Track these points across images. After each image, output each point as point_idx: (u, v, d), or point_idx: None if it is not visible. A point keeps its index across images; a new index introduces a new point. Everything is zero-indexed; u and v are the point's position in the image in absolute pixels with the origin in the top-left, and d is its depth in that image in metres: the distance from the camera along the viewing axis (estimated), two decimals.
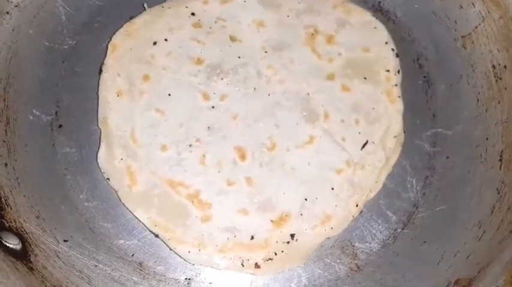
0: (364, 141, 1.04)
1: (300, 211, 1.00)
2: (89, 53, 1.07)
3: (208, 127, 1.03)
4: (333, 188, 1.01)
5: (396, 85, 1.08)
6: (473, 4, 1.08)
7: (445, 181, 1.05)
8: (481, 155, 1.05)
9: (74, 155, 1.03)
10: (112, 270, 0.98)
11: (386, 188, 1.04)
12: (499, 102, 1.04)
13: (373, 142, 1.04)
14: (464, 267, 0.97)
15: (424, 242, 1.02)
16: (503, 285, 0.91)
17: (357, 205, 1.01)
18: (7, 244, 0.93)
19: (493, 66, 1.06)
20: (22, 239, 0.95)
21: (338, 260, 1.02)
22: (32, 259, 0.94)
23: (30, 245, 0.95)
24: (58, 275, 0.95)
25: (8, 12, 1.03)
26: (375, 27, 1.11)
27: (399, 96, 1.07)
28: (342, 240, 1.02)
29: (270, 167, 1.02)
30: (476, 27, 1.08)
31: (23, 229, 0.96)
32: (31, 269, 0.93)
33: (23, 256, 0.93)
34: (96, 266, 0.98)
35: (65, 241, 0.98)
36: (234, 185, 1.01)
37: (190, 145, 1.02)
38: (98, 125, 1.03)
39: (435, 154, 1.07)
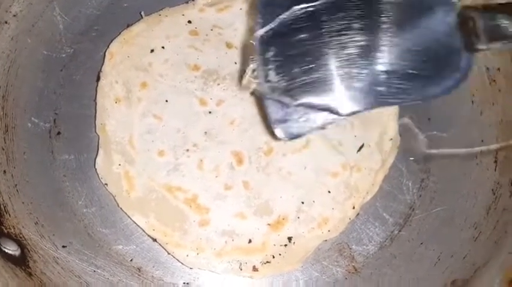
0: (360, 145, 1.05)
1: (297, 214, 1.01)
2: (87, 61, 1.08)
3: (205, 132, 1.03)
4: (329, 191, 1.02)
5: None
6: None
7: (441, 183, 1.06)
8: (476, 157, 1.05)
9: (72, 161, 1.04)
10: (111, 275, 0.99)
11: (382, 191, 1.05)
12: (493, 104, 1.05)
13: (369, 145, 1.05)
14: (460, 268, 0.98)
15: (421, 243, 1.03)
16: (499, 285, 0.91)
17: (353, 207, 1.02)
18: (6, 250, 0.93)
19: (487, 69, 1.06)
20: (21, 245, 0.95)
21: (335, 263, 1.02)
22: (30, 265, 0.95)
23: (29, 251, 0.96)
24: (57, 281, 0.96)
25: (6, 22, 1.04)
26: None
27: None
28: (339, 243, 1.03)
29: (266, 172, 1.02)
30: None
31: (21, 235, 0.96)
32: (30, 274, 0.94)
33: (21, 262, 0.94)
34: (94, 271, 0.99)
35: (63, 246, 0.99)
36: (231, 189, 1.01)
37: (187, 150, 1.02)
38: (96, 132, 1.03)
39: (431, 156, 1.08)
